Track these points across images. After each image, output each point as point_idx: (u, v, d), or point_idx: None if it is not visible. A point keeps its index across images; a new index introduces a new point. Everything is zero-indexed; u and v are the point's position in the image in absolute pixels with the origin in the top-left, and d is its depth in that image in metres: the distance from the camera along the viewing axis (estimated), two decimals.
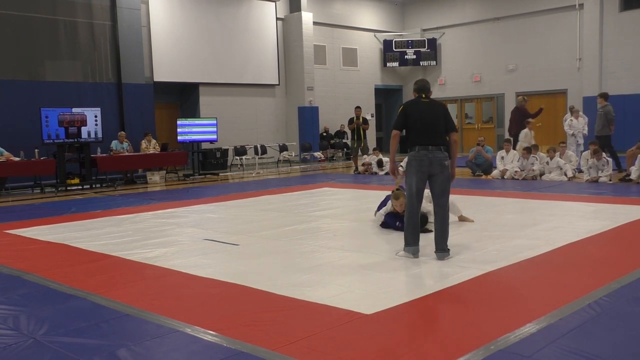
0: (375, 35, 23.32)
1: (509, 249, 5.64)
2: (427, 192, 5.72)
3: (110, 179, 14.05)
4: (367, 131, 15.28)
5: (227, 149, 17.93)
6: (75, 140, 13.13)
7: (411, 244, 5.44)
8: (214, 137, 16.05)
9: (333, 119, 21.61)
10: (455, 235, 6.33)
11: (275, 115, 20.34)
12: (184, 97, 18.81)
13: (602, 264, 5.11)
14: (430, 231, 5.89)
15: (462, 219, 7.13)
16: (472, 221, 7.10)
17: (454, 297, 4.24)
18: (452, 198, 5.65)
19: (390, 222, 6.71)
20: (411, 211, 5.46)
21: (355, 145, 15.26)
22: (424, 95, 5.68)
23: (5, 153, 12.37)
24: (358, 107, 15.41)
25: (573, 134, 14.21)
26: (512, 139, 13.77)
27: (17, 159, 12.57)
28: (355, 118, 15.06)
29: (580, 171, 11.87)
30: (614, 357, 3.08)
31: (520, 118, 13.93)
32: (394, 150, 5.72)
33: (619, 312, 3.79)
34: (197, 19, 17.83)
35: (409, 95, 24.26)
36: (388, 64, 23.40)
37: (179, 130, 15.46)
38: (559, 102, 20.16)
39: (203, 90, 18.25)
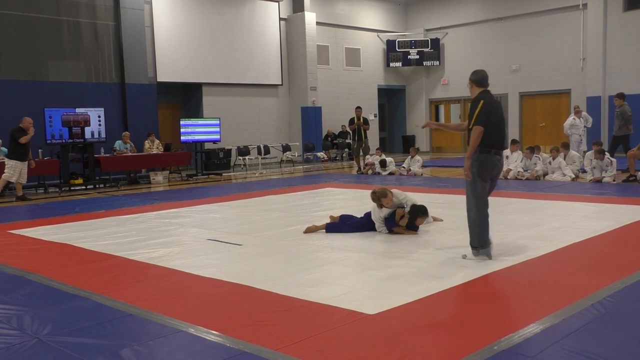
0: (378, 35, 23.31)
1: (513, 249, 5.63)
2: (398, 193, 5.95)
3: (114, 179, 14.08)
4: (368, 131, 15.28)
5: (230, 149, 17.95)
6: (79, 140, 13.16)
7: (487, 245, 5.27)
8: (217, 137, 16.06)
9: (336, 119, 21.61)
10: (458, 235, 6.33)
11: (278, 115, 20.35)
12: (187, 97, 18.84)
13: (605, 264, 5.09)
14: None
15: (434, 219, 7.27)
16: (442, 220, 7.28)
17: (456, 297, 4.24)
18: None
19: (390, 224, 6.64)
20: (484, 214, 5.29)
21: (356, 146, 15.26)
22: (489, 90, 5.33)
23: None
24: (358, 108, 15.40)
25: (578, 133, 14.23)
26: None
27: None
28: (355, 118, 15.05)
29: (584, 171, 11.84)
30: (618, 358, 3.07)
31: None
32: (475, 147, 5.18)
33: (623, 312, 3.78)
34: (200, 19, 17.85)
35: (411, 95, 24.27)
36: (391, 64, 23.39)
37: (182, 130, 15.48)
38: (562, 102, 20.12)
39: (206, 91, 18.27)
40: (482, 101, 5.20)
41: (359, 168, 15.30)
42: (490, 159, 5.18)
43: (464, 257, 5.31)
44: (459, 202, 9.09)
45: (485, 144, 5.13)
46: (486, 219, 5.29)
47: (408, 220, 6.42)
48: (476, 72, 5.44)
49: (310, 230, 6.80)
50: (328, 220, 7.07)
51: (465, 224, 6.92)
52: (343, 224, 6.82)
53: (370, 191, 6.67)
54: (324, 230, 6.79)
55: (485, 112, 5.15)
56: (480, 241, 5.26)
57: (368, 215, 6.77)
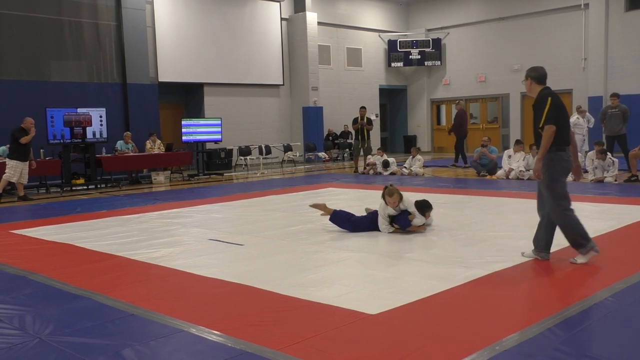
0: (379, 35, 23.31)
1: (514, 249, 5.62)
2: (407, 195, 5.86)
3: (115, 179, 14.09)
4: (370, 131, 15.28)
5: (232, 149, 17.95)
6: (81, 140, 13.17)
7: (589, 238, 5.03)
8: (218, 137, 16.07)
9: (337, 119, 21.61)
10: (460, 235, 6.33)
11: (280, 115, 20.36)
12: (188, 97, 18.84)
13: (607, 264, 5.08)
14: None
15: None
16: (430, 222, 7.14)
17: (458, 297, 4.24)
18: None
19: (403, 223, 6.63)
20: (570, 212, 5.03)
21: (359, 146, 15.25)
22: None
23: None
24: (363, 107, 15.39)
25: (582, 133, 14.22)
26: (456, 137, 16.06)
27: None
28: (359, 118, 15.05)
29: (586, 171, 11.83)
30: (620, 358, 3.07)
31: (461, 121, 16.30)
32: (548, 147, 4.93)
33: (625, 312, 3.78)
34: (201, 20, 17.86)
35: (413, 95, 24.26)
36: (392, 64, 23.39)
37: (183, 130, 15.48)
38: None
39: (208, 91, 18.28)
40: (549, 98, 5.00)
41: (356, 168, 15.30)
42: (566, 156, 4.99)
43: (574, 260, 5.02)
44: (459, 202, 9.12)
45: (558, 142, 4.93)
46: (573, 214, 5.02)
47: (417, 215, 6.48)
48: (536, 69, 5.20)
49: (317, 206, 7.18)
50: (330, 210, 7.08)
51: (466, 224, 6.96)
52: (348, 221, 6.80)
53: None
54: (328, 217, 6.91)
55: (555, 108, 4.97)
56: (582, 236, 5.02)
57: (371, 215, 6.77)
